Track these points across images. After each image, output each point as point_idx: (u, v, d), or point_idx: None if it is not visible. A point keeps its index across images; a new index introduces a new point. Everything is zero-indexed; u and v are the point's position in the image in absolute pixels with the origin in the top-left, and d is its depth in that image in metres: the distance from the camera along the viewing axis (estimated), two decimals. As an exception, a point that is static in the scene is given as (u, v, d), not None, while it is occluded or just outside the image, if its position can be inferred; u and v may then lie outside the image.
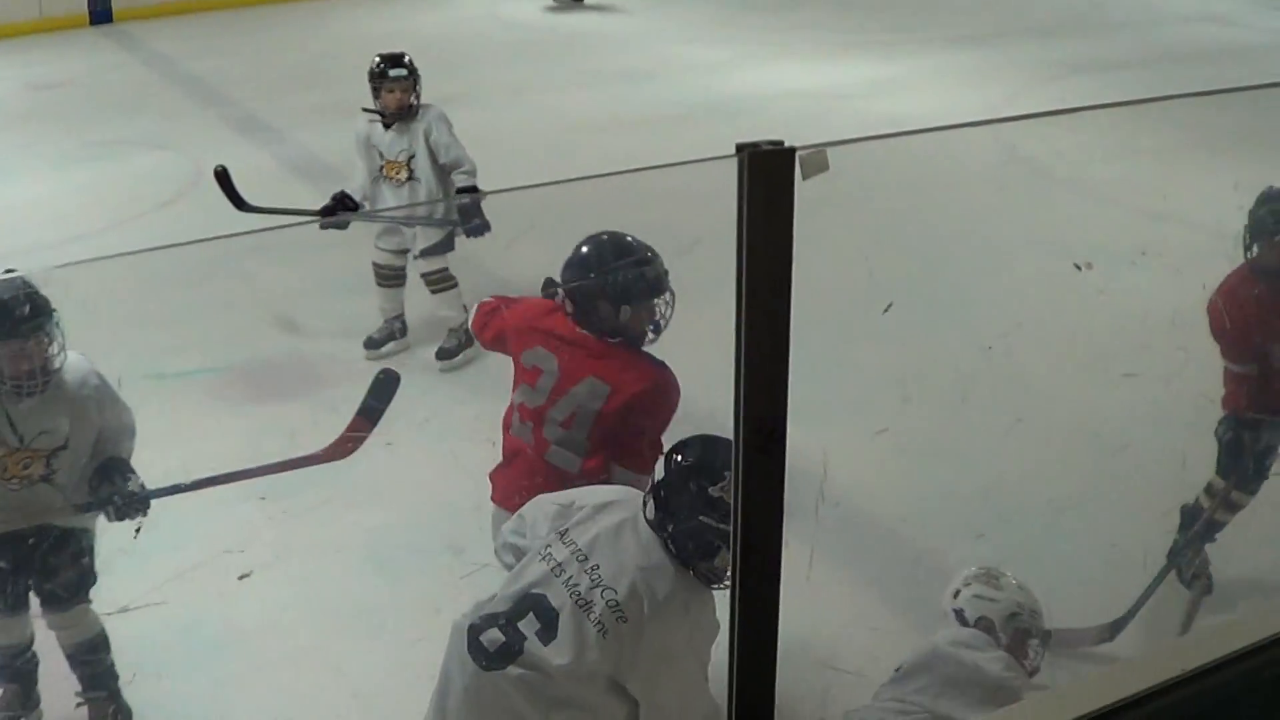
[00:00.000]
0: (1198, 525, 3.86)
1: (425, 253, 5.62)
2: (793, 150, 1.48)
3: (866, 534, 4.29)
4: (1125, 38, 12.05)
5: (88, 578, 3.44)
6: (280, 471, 3.70)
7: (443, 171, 5.55)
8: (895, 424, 4.69)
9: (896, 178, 5.83)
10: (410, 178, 5.50)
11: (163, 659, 3.71)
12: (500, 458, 3.65)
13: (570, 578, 2.82)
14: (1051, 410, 4.91)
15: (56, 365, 3.23)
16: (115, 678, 3.55)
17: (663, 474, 2.89)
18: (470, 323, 3.80)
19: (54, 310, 3.21)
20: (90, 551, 3.45)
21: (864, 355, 5.20)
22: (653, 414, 3.48)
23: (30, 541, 3.34)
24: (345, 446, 3.74)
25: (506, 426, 3.63)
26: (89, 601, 3.45)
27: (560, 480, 3.46)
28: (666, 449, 2.99)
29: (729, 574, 1.67)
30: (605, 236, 3.57)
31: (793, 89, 10.37)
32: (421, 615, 3.71)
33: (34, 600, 3.44)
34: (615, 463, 3.49)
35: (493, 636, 2.79)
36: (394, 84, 5.45)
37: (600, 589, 2.79)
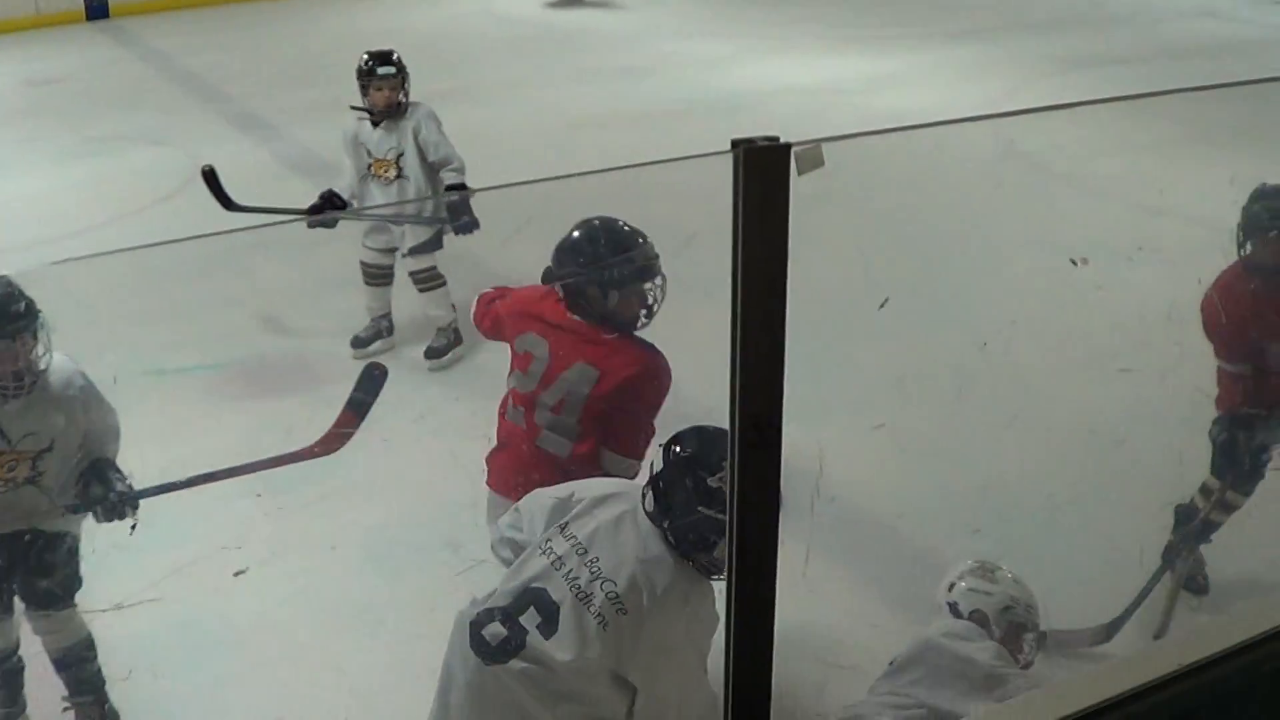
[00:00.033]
0: (1192, 525, 3.85)
1: (414, 251, 5.60)
2: (788, 146, 1.48)
3: (863, 530, 4.29)
4: (1124, 33, 12.06)
5: (73, 582, 3.40)
6: (269, 468, 3.68)
7: (431, 169, 5.53)
8: (892, 420, 4.69)
9: (893, 173, 5.84)
10: (399, 176, 5.48)
11: (159, 656, 3.70)
12: (495, 443, 3.66)
13: (570, 571, 2.83)
14: (1048, 406, 4.91)
15: (42, 366, 3.19)
16: (103, 682, 3.52)
17: (661, 466, 2.89)
18: (472, 315, 3.80)
19: (39, 311, 3.17)
20: (76, 555, 3.40)
21: (860, 351, 5.21)
22: (642, 398, 3.49)
23: (15, 545, 3.31)
24: (333, 441, 3.73)
25: (502, 412, 3.65)
26: (75, 605, 3.41)
27: (551, 465, 3.48)
28: (663, 441, 2.99)
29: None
30: (596, 222, 3.58)
31: (791, 84, 10.37)
32: (419, 612, 3.71)
33: (20, 604, 3.40)
34: (606, 448, 3.50)
35: (494, 631, 2.79)
36: (382, 82, 5.43)
37: (600, 581, 2.80)
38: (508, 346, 3.62)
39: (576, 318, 3.51)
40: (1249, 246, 3.71)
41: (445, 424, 4.92)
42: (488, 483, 3.65)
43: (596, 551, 2.85)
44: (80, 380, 3.32)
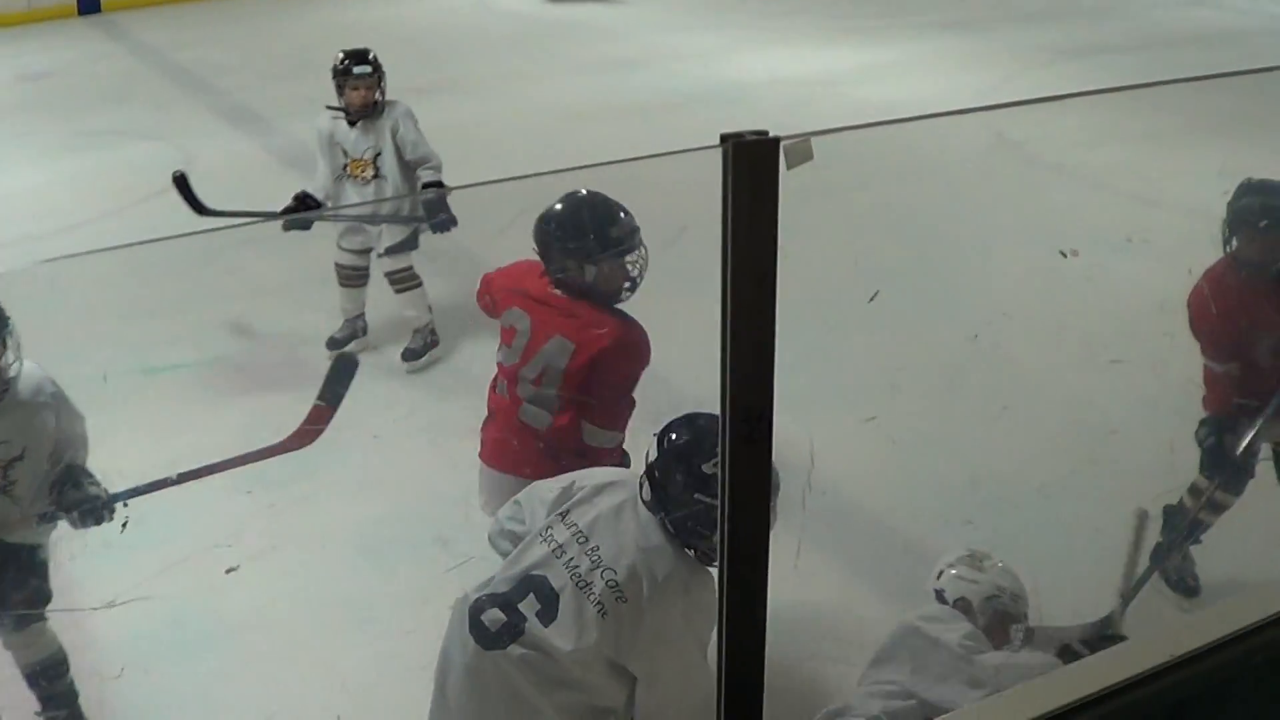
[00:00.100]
0: (1183, 526, 3.83)
1: (390, 251, 5.53)
2: (777, 140, 1.48)
3: (854, 522, 4.30)
4: (1116, 22, 12.05)
5: (42, 595, 3.34)
6: (244, 464, 3.65)
7: (408, 168, 5.47)
8: (883, 413, 4.69)
9: (883, 166, 5.84)
10: (376, 176, 5.42)
11: (151, 653, 3.71)
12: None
13: (571, 559, 2.84)
14: (1039, 398, 4.92)
15: (11, 374, 3.14)
16: (75, 695, 3.47)
17: (655, 455, 2.90)
18: (476, 294, 3.81)
19: (8, 317, 3.12)
20: (45, 567, 3.35)
21: (851, 344, 5.20)
22: (619, 369, 3.51)
23: None
24: (307, 436, 3.71)
25: (492, 386, 3.68)
26: (45, 619, 3.36)
27: (533, 438, 3.54)
28: (655, 431, 2.99)
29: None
30: (582, 194, 3.59)
31: (783, 76, 10.37)
32: (410, 607, 3.72)
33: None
34: (586, 420, 3.53)
35: (494, 616, 2.80)
36: (358, 81, 5.37)
37: (600, 570, 2.81)
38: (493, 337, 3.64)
39: (558, 292, 3.52)
40: (1235, 242, 3.69)
41: (434, 420, 4.93)
42: (480, 455, 3.69)
43: (597, 539, 2.86)
44: (50, 387, 3.26)
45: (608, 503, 2.93)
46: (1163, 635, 1.96)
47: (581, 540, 2.86)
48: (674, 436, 2.91)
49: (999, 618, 3.15)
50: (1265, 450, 3.87)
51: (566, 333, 3.49)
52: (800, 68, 10.66)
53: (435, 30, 12.85)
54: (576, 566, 2.82)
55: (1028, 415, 4.70)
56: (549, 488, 3.05)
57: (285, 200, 5.45)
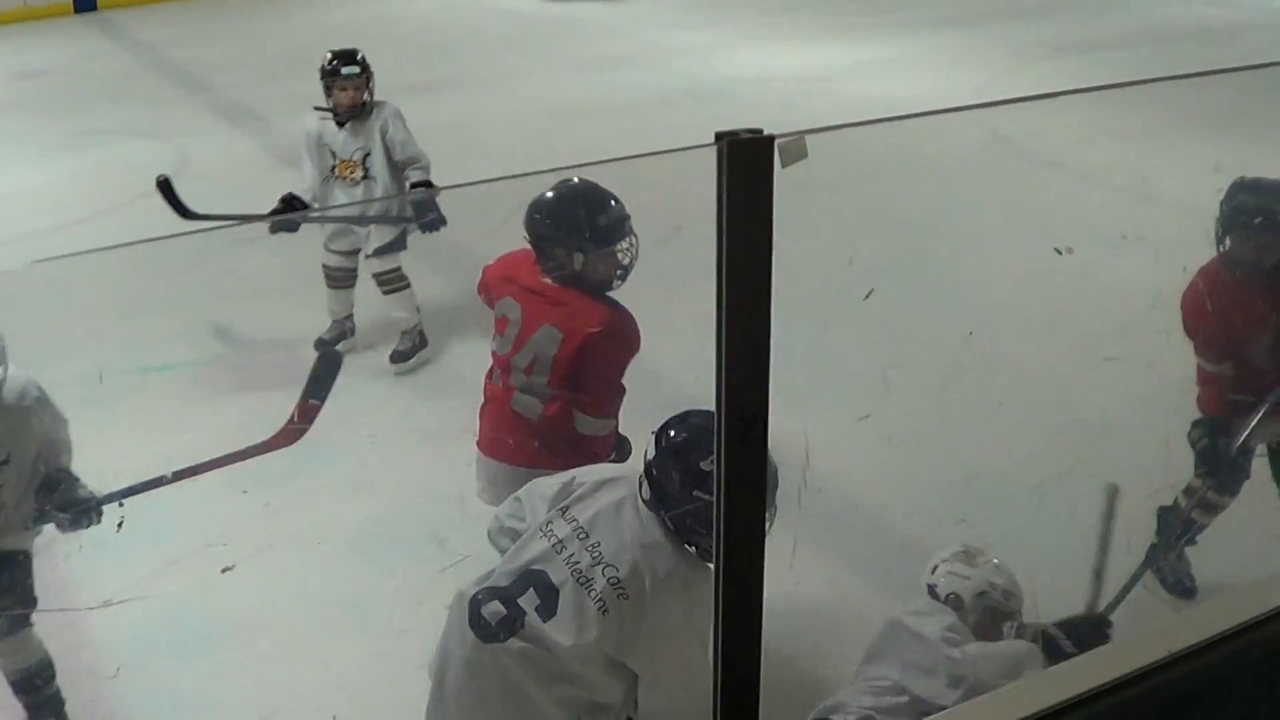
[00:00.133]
0: (1176, 527, 3.82)
1: (378, 252, 5.50)
2: (772, 138, 1.48)
3: (850, 520, 4.30)
4: (1112, 17, 12.05)
5: (27, 602, 3.30)
6: (233, 463, 3.63)
7: (396, 169, 5.44)
8: (878, 410, 4.69)
9: (878, 163, 5.85)
10: (365, 176, 5.38)
11: (147, 652, 3.71)
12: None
13: (571, 555, 2.84)
14: (1034, 395, 4.92)
15: None
16: (62, 703, 3.44)
17: (653, 453, 2.90)
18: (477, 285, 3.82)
19: None
20: (30, 573, 3.31)
21: (846, 342, 5.20)
22: (606, 356, 3.52)
23: None
24: (293, 432, 3.71)
25: (489, 375, 3.70)
26: (31, 625, 3.32)
27: (526, 426, 3.55)
28: (654, 430, 2.99)
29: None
30: (572, 182, 3.60)
31: (779, 72, 10.37)
32: (406, 606, 3.73)
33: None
34: (577, 409, 3.54)
35: (494, 610, 2.80)
36: (346, 82, 5.33)
37: (602, 566, 2.81)
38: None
39: (549, 281, 3.53)
40: (1228, 242, 3.68)
41: (429, 420, 4.93)
42: (477, 444, 3.71)
43: (598, 536, 2.85)
44: (35, 390, 3.23)
45: (608, 499, 2.93)
46: (1159, 632, 1.96)
47: (582, 536, 2.86)
48: (672, 434, 2.90)
49: (990, 614, 3.15)
50: (1261, 449, 3.86)
51: (555, 321, 3.50)
52: (796, 64, 10.67)
53: (433, 28, 12.86)
54: (577, 562, 2.82)
55: (1022, 412, 4.70)
56: (549, 484, 3.04)
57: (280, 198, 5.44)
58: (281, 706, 3.55)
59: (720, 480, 1.59)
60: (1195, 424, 3.78)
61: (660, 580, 2.81)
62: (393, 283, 5.59)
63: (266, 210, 5.48)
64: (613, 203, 3.55)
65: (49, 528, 3.30)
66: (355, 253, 5.60)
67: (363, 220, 5.50)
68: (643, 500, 2.89)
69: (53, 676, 3.40)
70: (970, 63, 10.42)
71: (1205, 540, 3.91)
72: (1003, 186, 7.03)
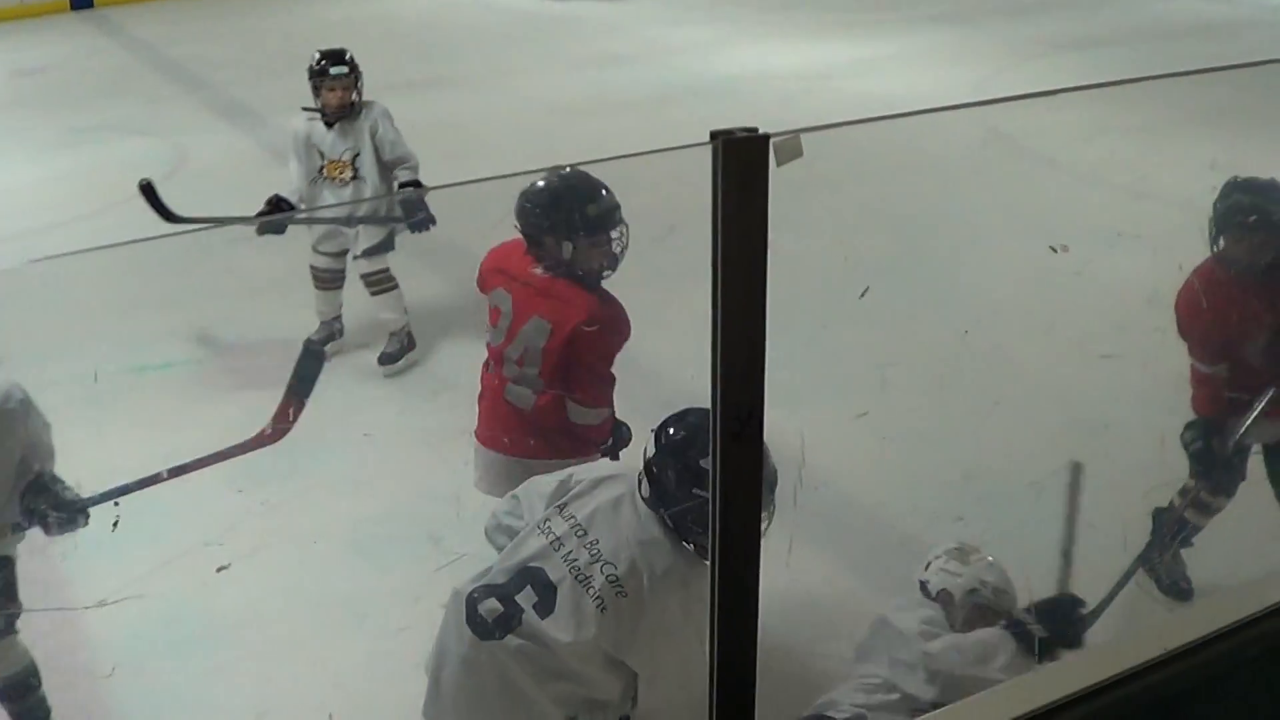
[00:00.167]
0: (1170, 527, 3.82)
1: (367, 253, 5.47)
2: (767, 137, 1.47)
3: (846, 518, 4.30)
4: (1110, 14, 12.05)
5: (12, 608, 3.27)
6: (221, 461, 3.62)
7: (385, 169, 5.41)
8: (874, 408, 4.69)
9: (875, 160, 5.85)
10: (354, 177, 5.36)
11: (143, 652, 3.70)
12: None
13: (569, 552, 2.84)
14: (1030, 393, 4.92)
15: None
16: (48, 711, 3.41)
17: (652, 451, 2.90)
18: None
19: None
20: (14, 580, 3.28)
21: (842, 340, 5.20)
22: (595, 346, 3.52)
23: None
24: (278, 430, 3.69)
25: (485, 366, 3.71)
26: (16, 632, 3.29)
27: (518, 417, 3.56)
28: (654, 427, 2.98)
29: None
30: (561, 172, 3.60)
31: (778, 70, 10.37)
32: (402, 605, 3.72)
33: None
34: (569, 399, 3.54)
35: (491, 607, 2.80)
36: (335, 82, 5.31)
37: (600, 564, 2.81)
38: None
39: (539, 271, 3.53)
40: (1222, 241, 3.67)
41: (425, 419, 4.92)
42: (475, 433, 3.72)
43: (596, 533, 2.86)
44: (18, 394, 3.19)
45: (606, 496, 2.93)
46: (1154, 630, 1.96)
47: (580, 533, 2.86)
48: (671, 432, 2.91)
49: (979, 611, 3.14)
50: (1257, 449, 3.85)
51: (544, 312, 3.50)
52: (794, 61, 10.67)
53: (433, 25, 12.86)
54: (575, 560, 2.82)
55: (1019, 410, 4.70)
56: (547, 481, 3.05)
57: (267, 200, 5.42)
58: (278, 705, 3.54)
59: (715, 478, 1.58)
60: (1189, 426, 3.77)
61: (658, 578, 2.81)
62: (380, 284, 5.57)
63: (254, 212, 5.46)
64: (603, 192, 3.54)
65: (34, 532, 3.26)
66: (343, 254, 5.57)
67: (351, 221, 5.46)
68: (641, 498, 2.89)
69: (38, 683, 3.37)
70: (969, 60, 10.42)
71: (1201, 541, 3.90)
72: (1001, 184, 7.03)
